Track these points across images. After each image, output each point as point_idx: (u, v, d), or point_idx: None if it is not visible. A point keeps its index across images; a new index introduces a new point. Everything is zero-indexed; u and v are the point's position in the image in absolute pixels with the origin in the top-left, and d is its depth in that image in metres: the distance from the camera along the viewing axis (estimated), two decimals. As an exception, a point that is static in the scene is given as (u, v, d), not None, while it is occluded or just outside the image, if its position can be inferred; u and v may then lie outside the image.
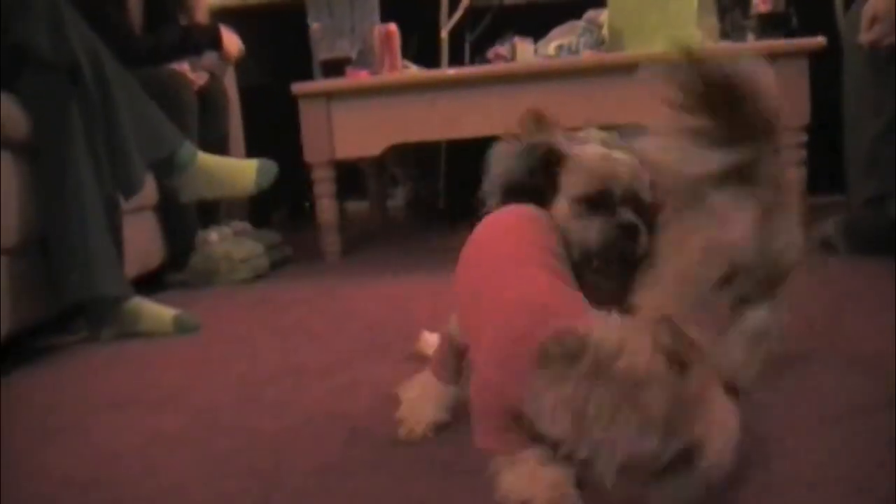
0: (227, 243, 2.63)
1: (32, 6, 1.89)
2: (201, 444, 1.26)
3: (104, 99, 2.00)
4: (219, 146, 2.72)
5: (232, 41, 2.80)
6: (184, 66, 2.68)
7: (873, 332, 1.51)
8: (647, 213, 1.16)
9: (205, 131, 2.67)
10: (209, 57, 2.79)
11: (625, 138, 1.21)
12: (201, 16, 2.92)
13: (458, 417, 1.24)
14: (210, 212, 2.80)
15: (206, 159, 2.27)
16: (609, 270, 1.16)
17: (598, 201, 1.16)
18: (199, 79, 2.73)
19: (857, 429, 1.12)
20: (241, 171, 2.31)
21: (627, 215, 1.16)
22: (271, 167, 2.31)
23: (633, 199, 1.17)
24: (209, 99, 2.76)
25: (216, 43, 2.75)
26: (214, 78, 2.83)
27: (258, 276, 2.65)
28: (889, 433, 1.07)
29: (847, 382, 1.30)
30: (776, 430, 1.14)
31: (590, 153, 1.20)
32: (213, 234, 2.63)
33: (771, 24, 2.63)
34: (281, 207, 4.04)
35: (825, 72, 2.44)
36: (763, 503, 0.94)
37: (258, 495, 1.06)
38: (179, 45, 2.67)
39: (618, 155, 1.19)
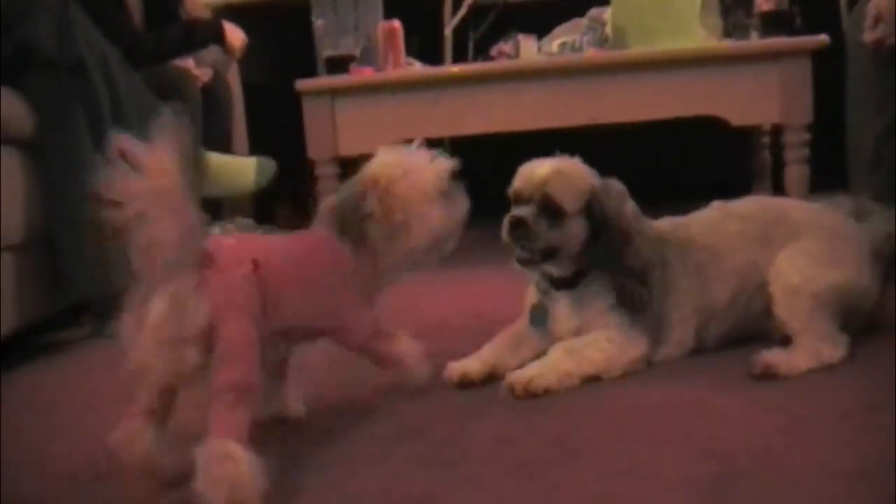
0: (227, 240, 2.63)
1: (40, 5, 1.90)
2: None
3: (112, 97, 2.00)
4: (222, 142, 2.71)
5: (235, 35, 2.80)
6: (188, 62, 2.68)
7: (873, 332, 1.51)
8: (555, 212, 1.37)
9: (208, 127, 2.66)
10: (213, 52, 2.79)
11: None
12: (201, 11, 2.91)
13: (461, 418, 1.24)
14: (214, 209, 2.81)
15: (208, 158, 2.27)
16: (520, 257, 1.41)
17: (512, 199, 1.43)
18: (204, 75, 2.73)
19: (857, 426, 1.12)
20: (242, 169, 2.30)
21: (520, 211, 1.38)
22: (269, 166, 2.30)
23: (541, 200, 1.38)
24: (213, 95, 2.76)
25: (219, 38, 2.75)
26: (218, 74, 2.83)
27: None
28: (889, 431, 1.08)
29: (847, 381, 1.31)
30: (778, 426, 1.15)
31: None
32: (215, 231, 2.63)
33: (774, 23, 2.62)
34: (284, 204, 4.03)
35: (828, 70, 2.44)
36: (766, 498, 0.95)
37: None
38: (183, 41, 2.67)
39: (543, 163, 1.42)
